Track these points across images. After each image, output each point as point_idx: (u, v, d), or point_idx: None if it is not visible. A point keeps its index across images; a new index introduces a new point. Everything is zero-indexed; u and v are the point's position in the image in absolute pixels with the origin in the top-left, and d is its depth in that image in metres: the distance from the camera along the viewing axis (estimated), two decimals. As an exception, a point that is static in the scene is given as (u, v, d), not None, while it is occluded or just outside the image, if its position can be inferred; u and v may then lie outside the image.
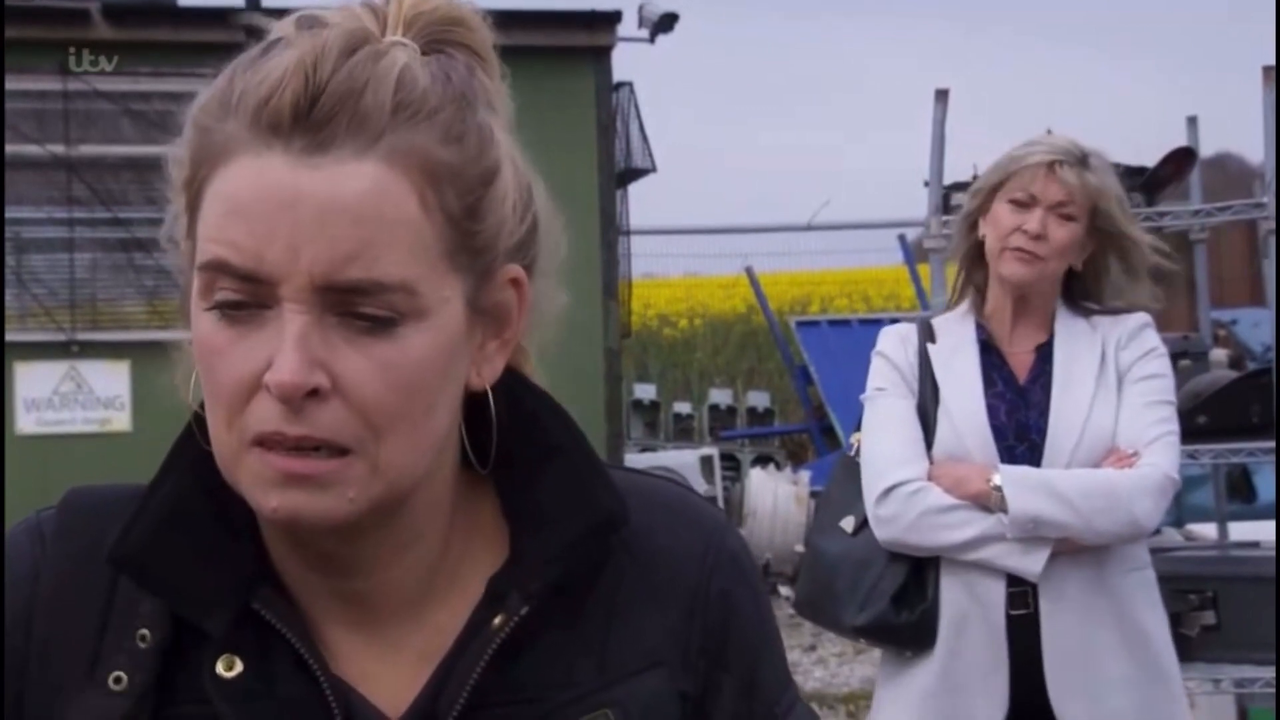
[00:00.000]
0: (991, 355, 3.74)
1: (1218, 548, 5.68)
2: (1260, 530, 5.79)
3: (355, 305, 1.17)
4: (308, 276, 1.15)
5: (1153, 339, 3.72)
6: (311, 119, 1.16)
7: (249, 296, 1.17)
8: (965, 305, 3.79)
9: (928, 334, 3.77)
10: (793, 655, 9.89)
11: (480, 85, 1.25)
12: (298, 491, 1.18)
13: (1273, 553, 5.13)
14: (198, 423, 1.26)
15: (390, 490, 1.21)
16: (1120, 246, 3.73)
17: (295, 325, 1.16)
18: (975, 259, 3.78)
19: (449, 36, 1.25)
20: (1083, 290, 3.76)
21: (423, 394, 1.20)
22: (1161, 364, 3.70)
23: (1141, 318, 3.77)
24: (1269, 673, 4.90)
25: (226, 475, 1.22)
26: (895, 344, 3.79)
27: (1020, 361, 3.73)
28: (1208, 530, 6.10)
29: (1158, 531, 5.98)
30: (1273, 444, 4.99)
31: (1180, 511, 7.88)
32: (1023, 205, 3.66)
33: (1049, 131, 5.31)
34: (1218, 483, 5.99)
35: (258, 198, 1.16)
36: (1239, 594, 5.02)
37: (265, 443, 1.18)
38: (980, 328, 3.76)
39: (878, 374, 3.78)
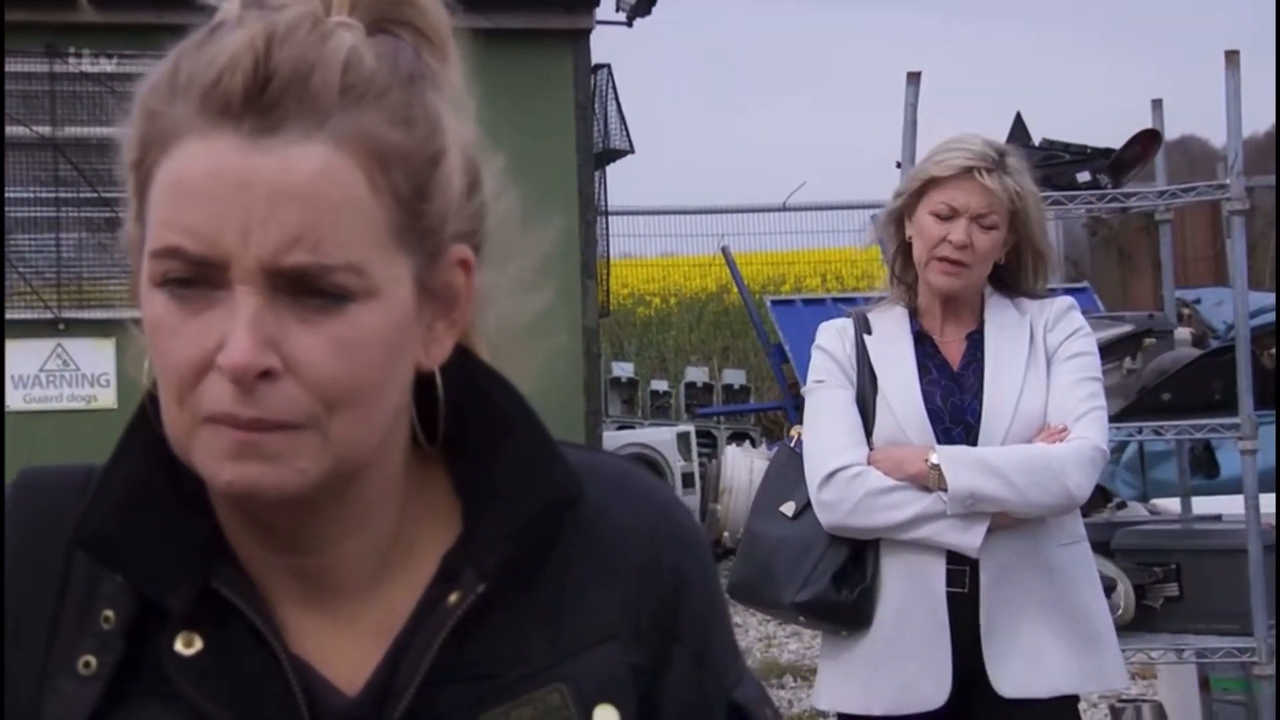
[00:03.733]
0: (925, 345, 3.83)
1: (1181, 521, 5.73)
2: (1222, 504, 5.85)
3: (305, 285, 1.17)
4: (256, 259, 1.15)
5: (1078, 319, 3.83)
6: (261, 101, 1.16)
7: (199, 277, 1.17)
8: (898, 299, 3.87)
9: (864, 326, 3.86)
10: (768, 628, 9.96)
11: (427, 67, 1.24)
12: (250, 464, 1.18)
13: (1234, 526, 5.22)
14: (151, 402, 1.25)
15: (341, 464, 1.21)
16: (1034, 247, 3.82)
17: (247, 307, 1.16)
18: (904, 258, 3.87)
19: (396, 16, 1.24)
20: (1010, 278, 3.85)
21: (373, 372, 1.20)
22: (1087, 343, 3.80)
23: (1067, 300, 3.90)
24: (1230, 642, 5.00)
25: (179, 451, 1.21)
26: (833, 337, 3.88)
27: (952, 349, 3.83)
28: (1172, 505, 6.16)
29: (1123, 505, 6.09)
30: (1235, 420, 5.10)
31: (1145, 486, 7.97)
32: (945, 218, 3.74)
33: (1018, 115, 5.44)
34: (1181, 458, 6.06)
35: (209, 181, 1.16)
36: (1202, 566, 5.07)
37: (217, 420, 1.18)
38: (913, 319, 3.85)
39: (817, 367, 3.86)
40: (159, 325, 1.19)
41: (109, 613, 1.26)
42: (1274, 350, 5.80)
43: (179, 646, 1.24)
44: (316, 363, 1.17)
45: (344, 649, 1.28)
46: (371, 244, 1.19)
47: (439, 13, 1.27)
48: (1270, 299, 9.57)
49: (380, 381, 1.21)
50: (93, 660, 1.25)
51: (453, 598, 1.27)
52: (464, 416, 1.31)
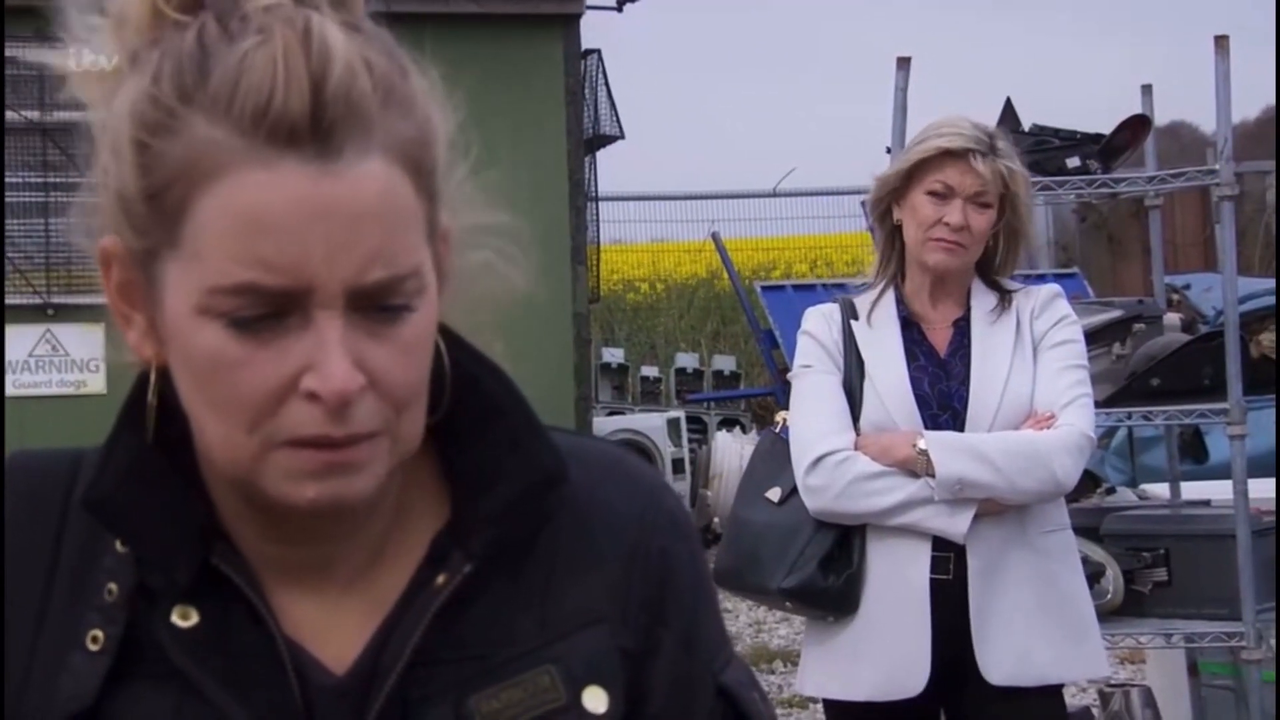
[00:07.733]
0: (912, 330, 3.83)
1: (1170, 506, 5.74)
2: (1211, 489, 5.86)
3: (379, 300, 1.17)
4: (341, 283, 1.14)
5: (1065, 308, 3.84)
6: (322, 125, 1.13)
7: (273, 310, 1.15)
8: (885, 284, 3.87)
9: (851, 311, 3.86)
10: (758, 614, 9.97)
11: (396, 44, 1.21)
12: (338, 479, 1.18)
13: (1223, 511, 5.23)
14: (159, 381, 1.25)
15: (398, 461, 1.23)
16: (1017, 230, 3.84)
17: (334, 330, 1.15)
18: (892, 242, 3.87)
19: None
20: (987, 262, 3.85)
21: (426, 367, 1.22)
22: (1074, 330, 3.82)
23: (1053, 288, 3.91)
24: (1218, 627, 5.01)
25: (236, 472, 1.20)
26: (820, 322, 3.87)
27: (939, 336, 3.83)
28: (1161, 490, 6.17)
29: (1112, 490, 6.10)
30: (1224, 405, 5.10)
31: (1134, 471, 7.98)
32: (941, 197, 3.74)
33: (1007, 100, 5.44)
34: (1170, 444, 6.07)
35: (286, 213, 1.13)
36: (1190, 551, 5.07)
37: (305, 444, 1.17)
38: (900, 304, 3.84)
39: (804, 352, 3.86)
40: (220, 358, 1.16)
41: (112, 585, 1.26)
42: (1266, 336, 5.79)
43: (176, 619, 1.24)
44: (392, 373, 1.18)
45: (336, 630, 1.28)
46: (421, 246, 1.19)
47: None
48: (1259, 284, 9.59)
49: (427, 374, 1.23)
50: (100, 634, 1.25)
51: (440, 579, 1.27)
52: (454, 400, 1.31)
